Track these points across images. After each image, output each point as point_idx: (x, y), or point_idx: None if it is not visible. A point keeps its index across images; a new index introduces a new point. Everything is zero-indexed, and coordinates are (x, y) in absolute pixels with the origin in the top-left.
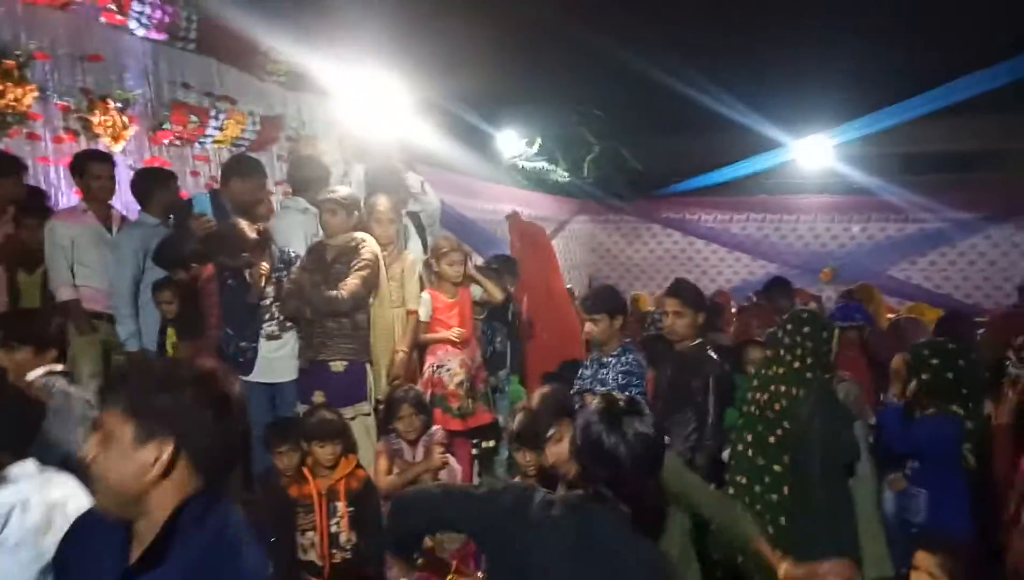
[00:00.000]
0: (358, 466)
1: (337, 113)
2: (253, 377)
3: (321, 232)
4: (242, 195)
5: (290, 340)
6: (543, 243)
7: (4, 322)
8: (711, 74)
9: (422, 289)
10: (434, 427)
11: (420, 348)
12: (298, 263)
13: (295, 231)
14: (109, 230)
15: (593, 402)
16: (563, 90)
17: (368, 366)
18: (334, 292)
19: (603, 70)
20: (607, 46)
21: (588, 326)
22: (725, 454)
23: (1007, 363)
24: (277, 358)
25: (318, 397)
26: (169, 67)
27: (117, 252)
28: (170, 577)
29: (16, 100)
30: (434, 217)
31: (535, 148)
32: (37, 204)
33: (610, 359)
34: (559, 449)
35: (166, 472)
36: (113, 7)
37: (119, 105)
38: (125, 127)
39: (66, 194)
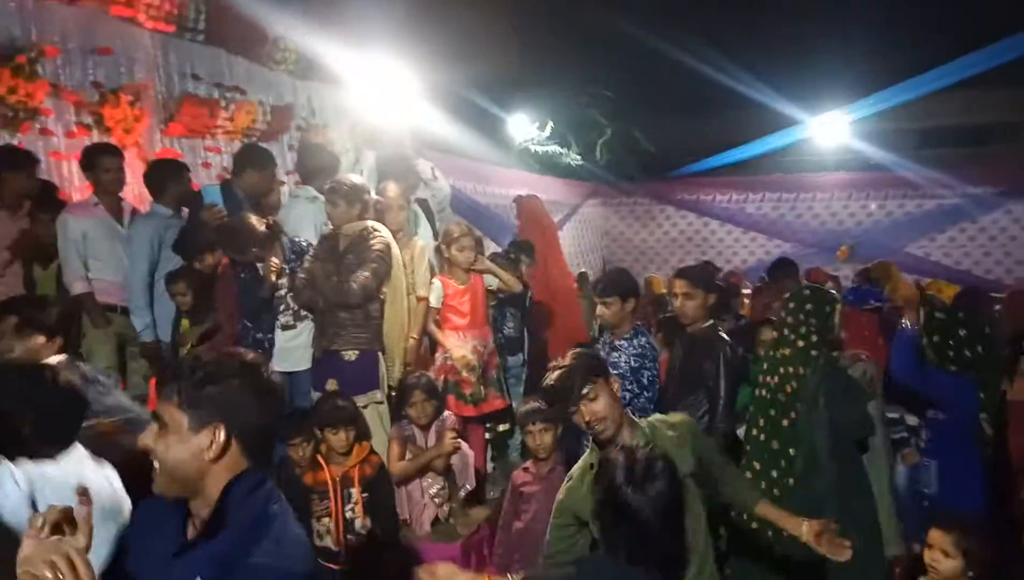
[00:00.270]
0: (372, 452)
1: (347, 101)
2: (271, 367)
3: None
4: (255, 185)
5: (304, 330)
6: (547, 225)
7: (18, 308)
8: (724, 52)
9: (432, 276)
10: (446, 413)
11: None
12: (310, 253)
13: (304, 220)
14: (120, 223)
15: (618, 458)
16: (574, 72)
17: (380, 355)
18: (344, 285)
19: (614, 50)
20: (617, 26)
21: (600, 309)
22: (740, 431)
23: None
24: (292, 347)
25: (331, 385)
26: (178, 59)
27: (131, 244)
28: (222, 545)
29: (28, 96)
30: (444, 203)
31: (547, 132)
32: (50, 199)
33: (622, 342)
34: (595, 407)
35: (219, 455)
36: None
37: (130, 98)
38: (137, 120)
39: (79, 189)
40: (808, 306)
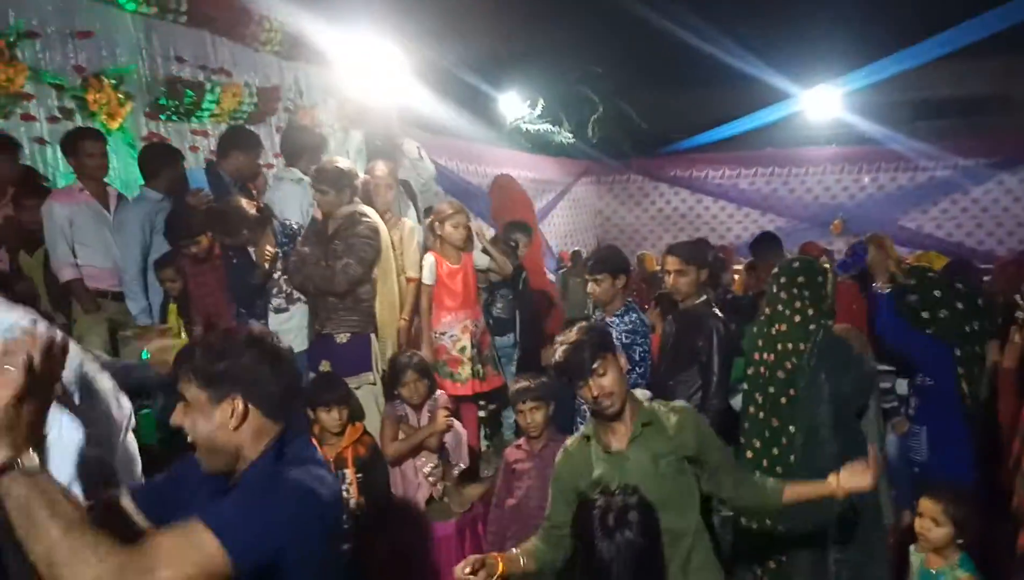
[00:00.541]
0: (365, 433)
1: (335, 81)
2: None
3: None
4: (241, 167)
5: (297, 312)
6: (522, 200)
7: None
8: (716, 25)
9: (420, 257)
10: (438, 392)
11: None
12: (301, 235)
13: (290, 202)
14: (106, 208)
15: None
16: (565, 48)
17: (372, 337)
18: (330, 272)
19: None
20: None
21: (591, 286)
22: (735, 401)
23: (1019, 307)
24: (284, 330)
25: (324, 367)
26: (161, 41)
27: (123, 229)
28: (252, 477)
29: (8, 80)
30: (429, 184)
31: (538, 110)
32: (35, 185)
33: (614, 319)
34: (604, 382)
35: (240, 423)
36: None
37: (113, 82)
38: (121, 104)
39: (64, 174)
40: (800, 278)
